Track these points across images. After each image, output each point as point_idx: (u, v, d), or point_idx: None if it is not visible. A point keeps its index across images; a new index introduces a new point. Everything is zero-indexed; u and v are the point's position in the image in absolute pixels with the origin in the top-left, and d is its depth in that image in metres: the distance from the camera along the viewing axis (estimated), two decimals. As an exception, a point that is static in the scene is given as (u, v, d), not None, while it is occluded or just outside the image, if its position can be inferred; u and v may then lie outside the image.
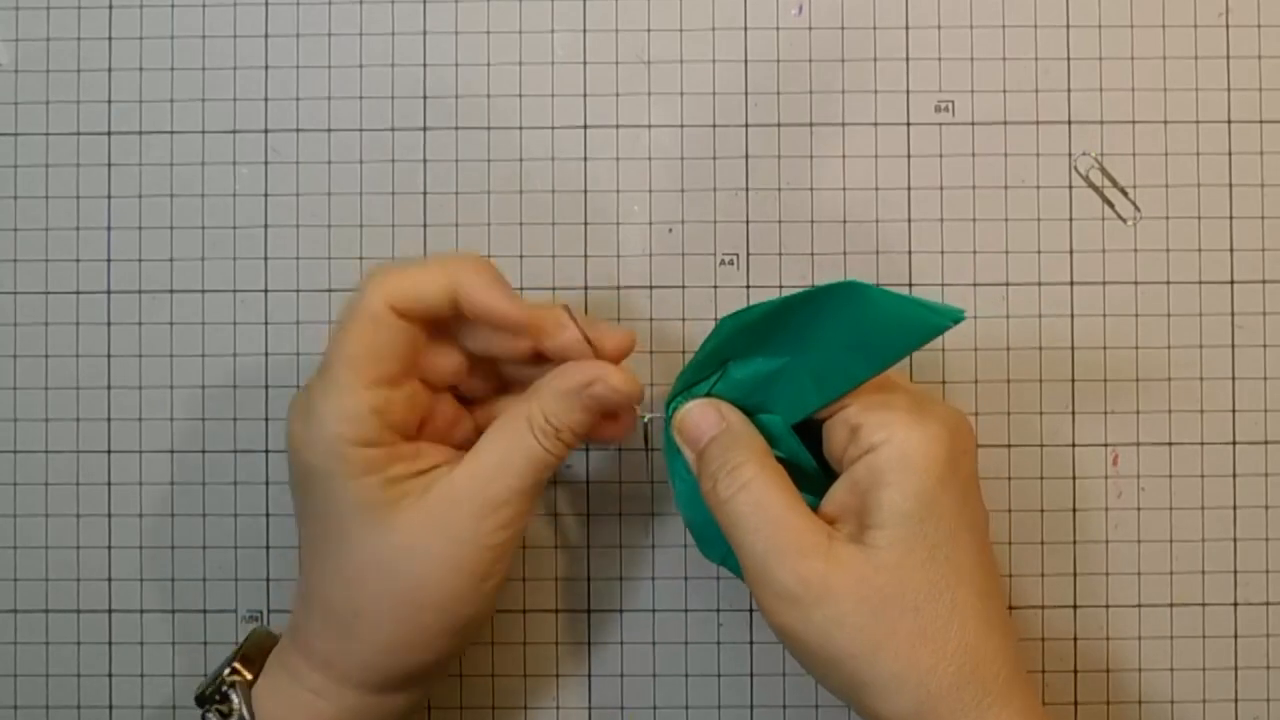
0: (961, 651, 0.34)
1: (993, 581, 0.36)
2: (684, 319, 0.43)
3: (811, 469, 0.38)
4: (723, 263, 0.43)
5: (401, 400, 0.37)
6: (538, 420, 0.37)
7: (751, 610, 0.44)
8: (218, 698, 0.37)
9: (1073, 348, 0.43)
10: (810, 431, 0.38)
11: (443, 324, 0.38)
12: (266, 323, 0.44)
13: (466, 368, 0.39)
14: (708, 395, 0.38)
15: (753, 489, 0.35)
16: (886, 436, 0.34)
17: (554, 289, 0.43)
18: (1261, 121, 0.43)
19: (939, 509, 0.34)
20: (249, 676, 0.38)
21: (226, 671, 0.38)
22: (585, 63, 0.44)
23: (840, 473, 0.36)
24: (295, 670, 0.37)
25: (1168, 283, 0.43)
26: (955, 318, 0.34)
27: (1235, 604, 0.43)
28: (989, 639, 0.34)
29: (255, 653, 0.39)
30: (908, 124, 0.43)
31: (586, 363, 0.37)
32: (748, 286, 0.43)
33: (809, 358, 0.37)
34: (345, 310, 0.36)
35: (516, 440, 0.37)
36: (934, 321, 0.34)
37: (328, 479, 0.36)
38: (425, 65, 0.44)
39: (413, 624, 0.36)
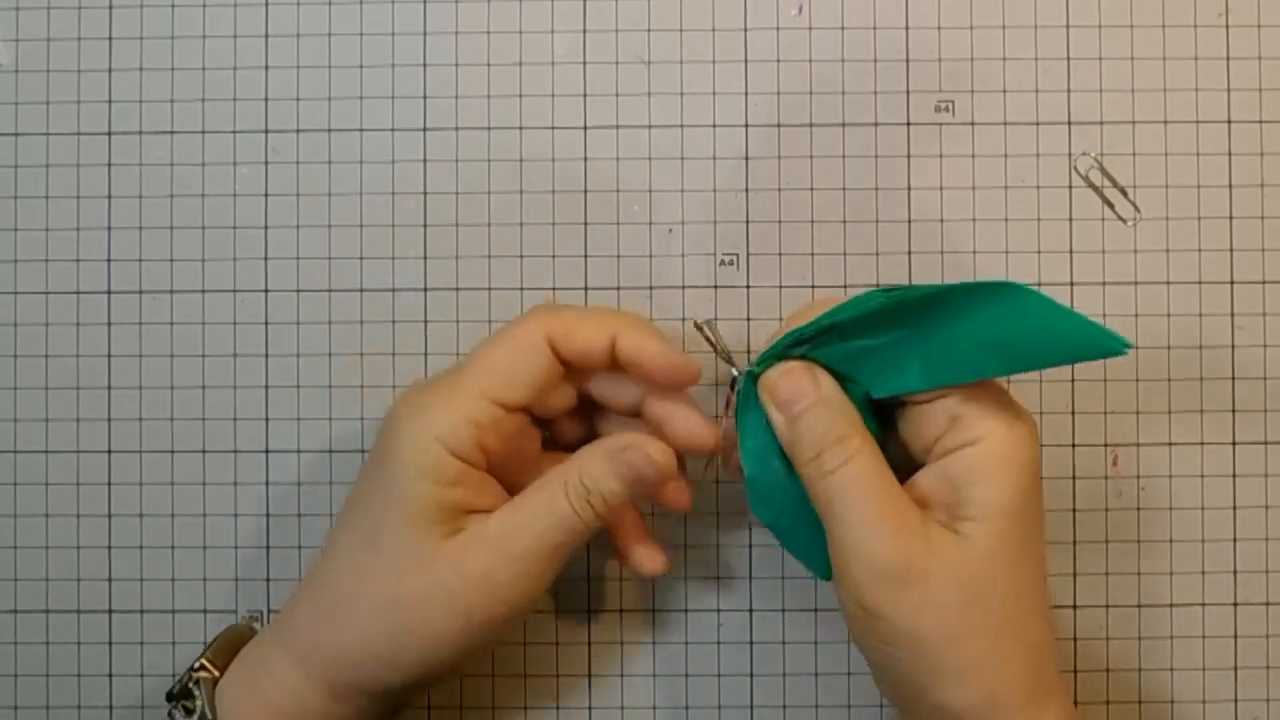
0: (1032, 647, 0.35)
1: (1045, 573, 0.37)
2: (684, 319, 0.43)
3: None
4: (723, 263, 0.43)
5: (505, 424, 0.37)
6: (573, 481, 0.37)
7: (751, 610, 0.44)
8: (183, 694, 0.38)
9: (1073, 348, 0.43)
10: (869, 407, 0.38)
11: (580, 368, 0.38)
12: (266, 323, 0.44)
13: (571, 411, 0.40)
14: (802, 359, 0.37)
15: (859, 462, 0.35)
16: (989, 431, 0.35)
17: (554, 289, 0.43)
18: (1261, 121, 0.43)
19: (1030, 508, 0.35)
20: (215, 673, 0.38)
21: (194, 667, 0.38)
22: (585, 63, 0.44)
23: (921, 458, 0.36)
24: (268, 660, 0.37)
25: (1168, 283, 0.43)
26: (1124, 345, 0.34)
27: (1235, 604, 0.43)
28: (1050, 637, 0.36)
29: (227, 648, 0.39)
30: (908, 124, 0.43)
31: (632, 434, 0.37)
32: (748, 286, 0.43)
33: (925, 341, 0.36)
34: (501, 332, 0.38)
35: (550, 499, 0.37)
36: (1104, 342, 0.34)
37: (400, 467, 0.36)
38: (425, 65, 0.44)
39: (394, 641, 0.36)
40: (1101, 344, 0.34)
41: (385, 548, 0.36)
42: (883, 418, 0.38)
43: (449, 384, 0.37)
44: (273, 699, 0.37)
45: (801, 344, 0.37)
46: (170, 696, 0.38)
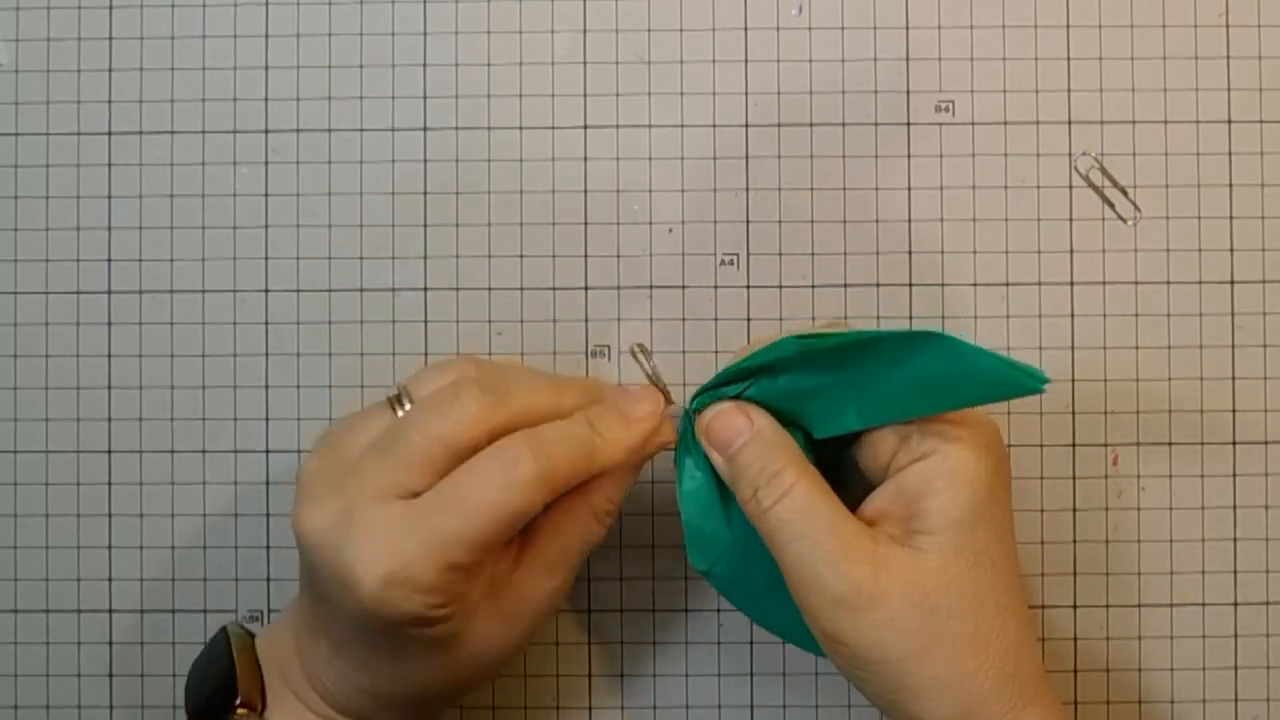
0: (1003, 653, 0.34)
1: (1021, 579, 0.36)
2: (684, 319, 0.43)
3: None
4: (723, 263, 0.43)
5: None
6: (602, 507, 0.37)
7: (751, 610, 0.44)
8: None
9: (1073, 348, 0.43)
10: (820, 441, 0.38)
11: None
12: (267, 323, 0.44)
13: None
14: (736, 399, 0.37)
15: (796, 495, 0.35)
16: (938, 445, 0.35)
17: (554, 289, 0.43)
18: (1261, 121, 0.43)
19: (987, 516, 0.35)
20: (258, 707, 0.36)
21: (235, 703, 0.36)
22: (585, 63, 0.44)
23: (877, 479, 0.36)
24: (316, 709, 0.37)
25: (1168, 283, 0.43)
26: (1040, 383, 0.34)
27: (1235, 604, 0.43)
28: (1025, 639, 0.35)
29: (248, 672, 0.37)
30: (908, 124, 0.43)
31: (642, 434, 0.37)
32: (748, 286, 0.43)
33: (858, 385, 0.36)
34: (485, 463, 0.34)
35: (583, 533, 0.37)
36: (1022, 382, 0.34)
37: (401, 628, 0.34)
38: (425, 65, 0.44)
39: (458, 695, 0.38)
40: (1020, 384, 0.34)
41: (423, 667, 0.36)
42: (837, 444, 0.37)
43: (424, 540, 0.33)
44: None
45: (734, 382, 0.38)
46: None
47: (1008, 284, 0.43)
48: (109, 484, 0.44)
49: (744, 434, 0.36)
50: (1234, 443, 0.43)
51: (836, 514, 0.35)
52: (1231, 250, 0.43)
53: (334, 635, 0.36)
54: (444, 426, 0.34)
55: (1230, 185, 0.43)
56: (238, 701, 0.36)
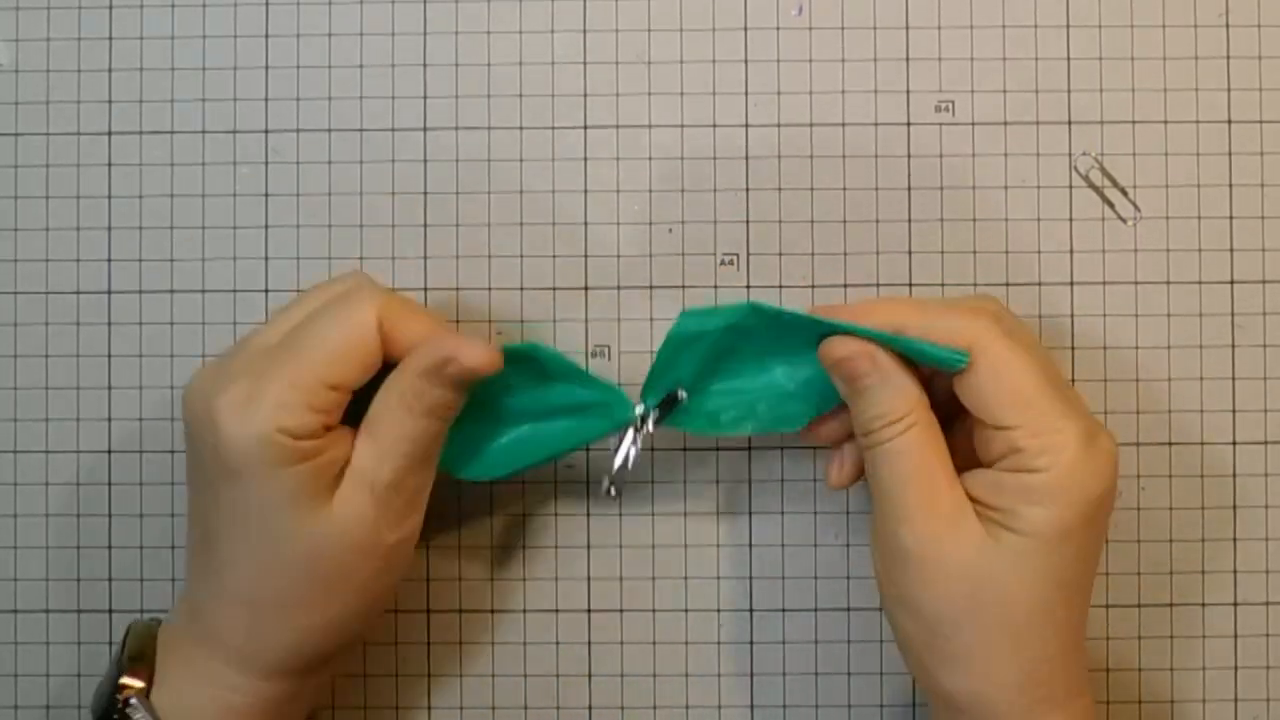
0: (1036, 661, 0.35)
1: (1087, 598, 0.37)
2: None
3: None
4: (723, 263, 0.43)
5: (338, 404, 0.37)
6: (407, 398, 0.37)
7: (752, 610, 0.44)
8: (116, 716, 0.36)
9: (1073, 348, 0.43)
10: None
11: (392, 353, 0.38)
12: (266, 322, 0.43)
13: None
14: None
15: (910, 437, 0.36)
16: (1051, 463, 0.35)
17: (554, 289, 0.43)
18: (1261, 121, 0.43)
19: (1072, 540, 0.35)
20: (141, 685, 0.36)
21: (119, 684, 0.36)
22: (585, 63, 0.44)
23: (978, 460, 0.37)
24: (201, 667, 0.37)
25: (1168, 283, 0.43)
26: (962, 360, 0.35)
27: (1235, 604, 0.43)
28: (1067, 653, 0.36)
29: (141, 654, 0.37)
30: (908, 124, 0.43)
31: (439, 341, 0.37)
32: (748, 286, 0.43)
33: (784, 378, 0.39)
34: (331, 310, 0.37)
35: (399, 417, 0.37)
36: (945, 358, 0.36)
37: (260, 467, 0.35)
38: (425, 65, 0.44)
39: (338, 608, 0.37)
40: (943, 359, 0.36)
41: (294, 545, 0.36)
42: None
43: (276, 367, 0.36)
44: (217, 697, 0.37)
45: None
46: (102, 716, 0.36)
47: (1008, 284, 0.43)
48: (109, 483, 0.44)
49: (871, 375, 0.36)
50: (1234, 443, 0.43)
51: (939, 469, 0.36)
52: (1231, 250, 0.43)
53: (209, 540, 0.37)
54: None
55: (1230, 185, 0.43)
56: (120, 681, 0.37)
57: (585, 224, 0.43)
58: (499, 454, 0.40)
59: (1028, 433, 0.35)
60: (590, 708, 0.44)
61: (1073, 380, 0.43)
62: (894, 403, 0.36)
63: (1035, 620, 0.35)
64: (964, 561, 0.35)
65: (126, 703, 0.36)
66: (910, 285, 0.43)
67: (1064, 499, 0.35)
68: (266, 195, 0.44)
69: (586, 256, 0.43)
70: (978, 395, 0.36)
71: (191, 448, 0.37)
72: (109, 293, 0.44)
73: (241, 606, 0.36)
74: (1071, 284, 0.43)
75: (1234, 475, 0.43)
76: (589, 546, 0.44)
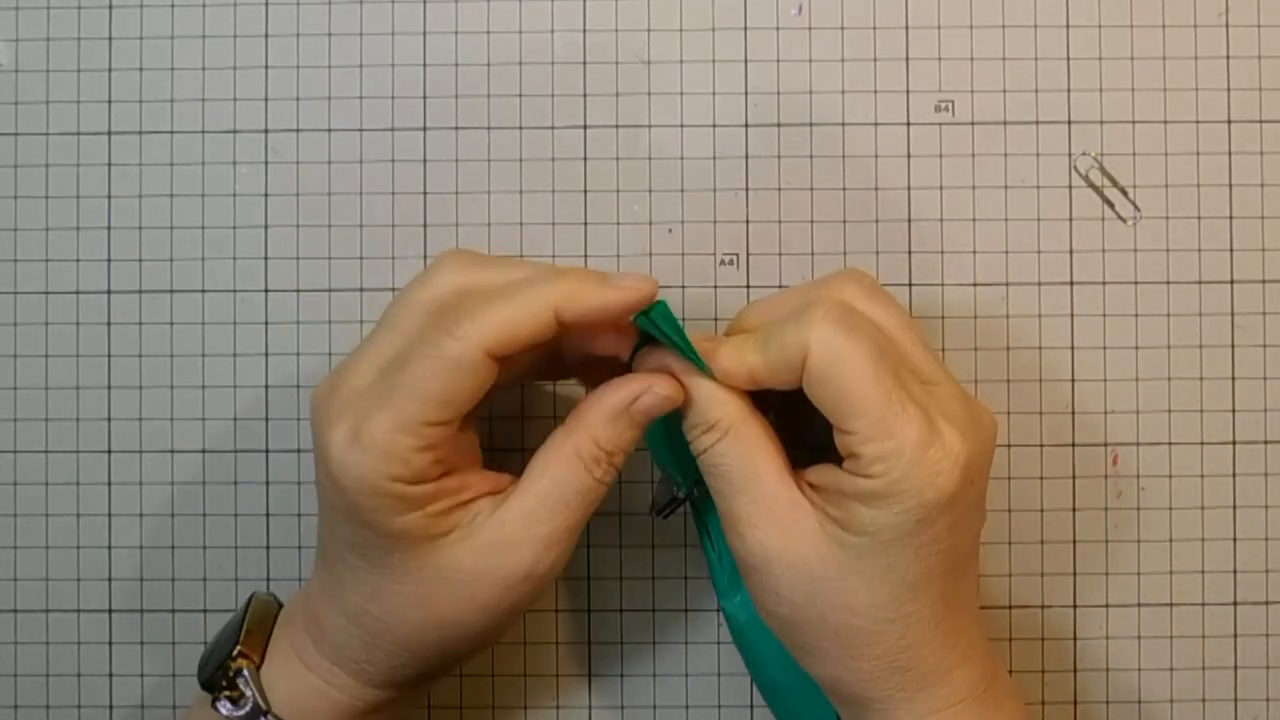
0: (890, 651, 0.35)
1: (955, 585, 0.35)
2: (684, 319, 0.43)
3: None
4: (723, 263, 0.43)
5: (458, 434, 0.35)
6: (588, 449, 0.35)
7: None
8: (225, 683, 0.36)
9: (1073, 348, 0.43)
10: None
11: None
12: (266, 323, 0.44)
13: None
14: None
15: (730, 444, 0.35)
16: (884, 470, 0.33)
17: (554, 289, 0.43)
18: (1261, 121, 0.43)
19: (909, 542, 0.34)
20: (256, 660, 0.37)
21: (232, 655, 0.37)
22: (585, 63, 0.44)
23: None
24: (309, 660, 0.37)
25: (1168, 283, 0.43)
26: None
27: (1235, 604, 0.43)
28: (929, 641, 0.35)
29: (258, 629, 0.38)
30: (908, 124, 0.43)
31: (629, 378, 0.36)
32: (748, 286, 0.43)
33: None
34: (428, 345, 0.34)
35: (568, 475, 0.35)
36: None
37: (371, 514, 0.34)
38: (425, 65, 0.44)
39: (448, 649, 0.36)
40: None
41: (408, 585, 0.35)
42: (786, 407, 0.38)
43: (383, 410, 0.33)
44: (321, 690, 0.37)
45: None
46: (209, 685, 0.37)
47: (1008, 284, 0.43)
48: (109, 484, 0.44)
49: (677, 392, 0.36)
50: (1234, 443, 0.43)
51: (767, 473, 0.35)
52: (1231, 250, 0.43)
53: (328, 555, 0.36)
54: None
55: (1230, 185, 0.43)
56: (235, 651, 0.37)
57: (585, 224, 0.43)
58: None
59: (861, 439, 0.34)
60: (590, 708, 0.44)
61: (1073, 380, 0.43)
62: (704, 413, 0.35)
63: (883, 616, 0.34)
64: (799, 565, 0.34)
65: (238, 673, 0.36)
66: (910, 285, 0.43)
67: (896, 505, 0.33)
68: (266, 195, 0.44)
69: (586, 256, 0.43)
70: (815, 400, 0.34)
71: (315, 458, 0.36)
72: (109, 293, 0.44)
73: (357, 627, 0.36)
74: (1071, 284, 0.43)
75: (1234, 475, 0.43)
76: (589, 546, 0.44)
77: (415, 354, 0.34)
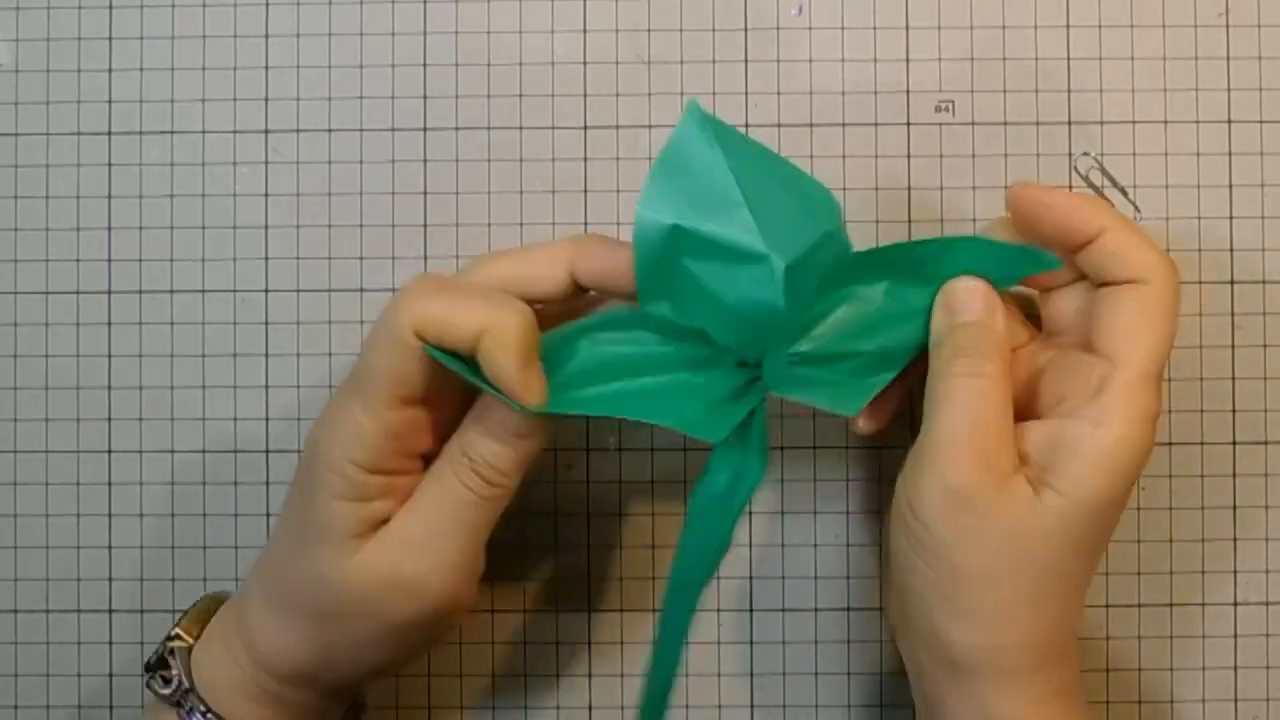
0: (1047, 622, 0.35)
1: (1098, 558, 0.36)
2: (684, 319, 0.43)
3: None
4: (723, 263, 0.43)
5: (420, 410, 0.35)
6: (455, 457, 0.35)
7: (752, 610, 0.44)
8: (160, 664, 0.37)
9: (1073, 348, 0.43)
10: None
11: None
12: (266, 323, 0.44)
13: None
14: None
15: (985, 382, 0.35)
16: (1104, 416, 0.34)
17: (554, 289, 0.43)
18: (1261, 121, 0.43)
19: (1110, 501, 0.35)
20: (190, 641, 0.38)
21: (170, 636, 0.38)
22: (585, 63, 0.44)
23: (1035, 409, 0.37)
24: (231, 635, 0.37)
25: (1168, 283, 0.43)
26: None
27: (1235, 604, 0.43)
28: (1070, 619, 0.36)
29: (202, 616, 0.38)
30: (908, 124, 0.43)
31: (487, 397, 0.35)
32: (748, 286, 0.43)
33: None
34: (381, 327, 0.35)
35: (440, 483, 0.36)
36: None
37: (320, 489, 0.35)
38: (425, 65, 0.44)
39: (323, 650, 0.36)
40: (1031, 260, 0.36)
41: (307, 564, 0.35)
42: None
43: (352, 396, 0.35)
44: (244, 671, 0.37)
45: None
46: (149, 667, 0.38)
47: (1008, 284, 0.43)
48: (109, 484, 0.44)
49: (976, 312, 0.36)
50: (1234, 443, 0.43)
51: (1005, 424, 0.35)
52: (1231, 250, 0.43)
53: (275, 530, 0.37)
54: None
55: (1230, 185, 0.43)
56: (173, 631, 0.38)
57: (585, 224, 0.43)
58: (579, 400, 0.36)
59: (1119, 381, 0.35)
60: (590, 708, 0.44)
61: (1073, 380, 0.43)
62: (984, 345, 0.36)
63: (1063, 583, 0.35)
64: (1013, 518, 0.34)
65: (171, 652, 0.37)
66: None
67: (1108, 460, 0.34)
68: (266, 195, 0.44)
69: (586, 256, 0.43)
70: (1113, 310, 0.35)
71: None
72: (109, 293, 0.44)
73: (271, 606, 0.36)
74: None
75: (1234, 475, 0.43)
76: (589, 547, 0.44)
77: (372, 339, 0.35)
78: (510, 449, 0.35)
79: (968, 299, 0.37)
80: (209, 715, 0.36)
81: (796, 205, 0.36)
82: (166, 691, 0.37)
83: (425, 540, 0.35)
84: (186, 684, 0.37)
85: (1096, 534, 0.35)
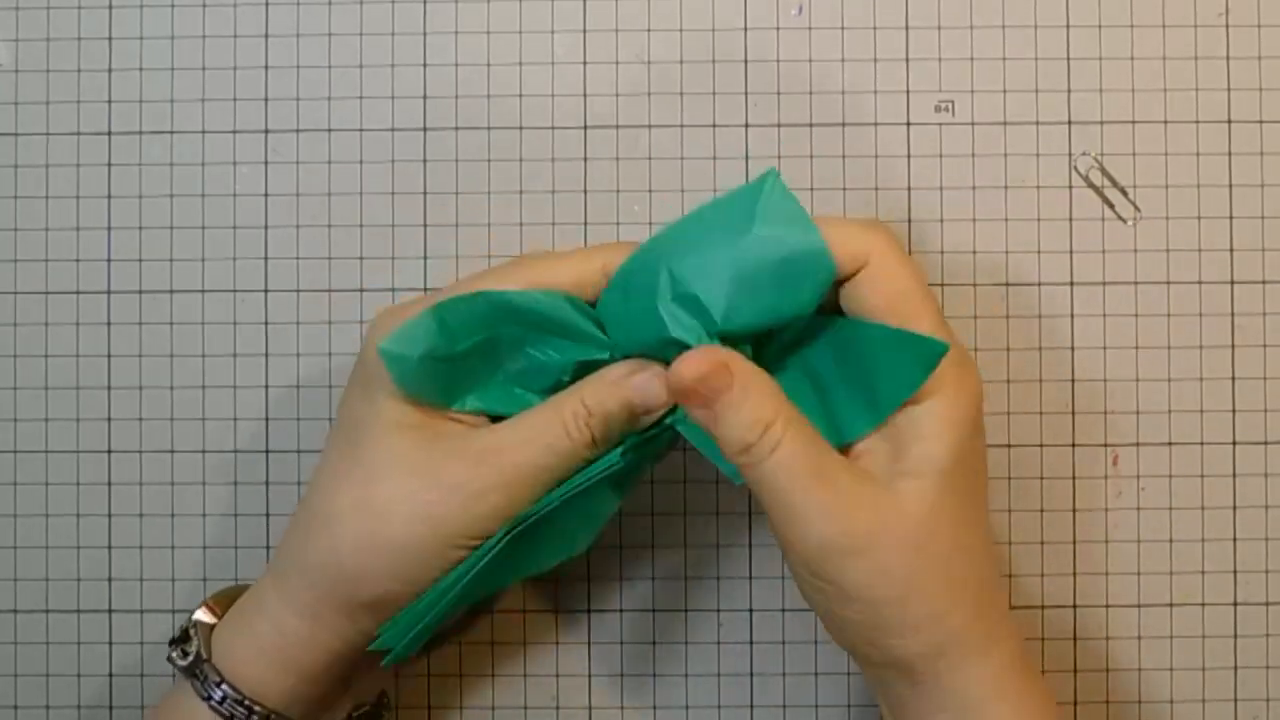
0: (974, 594, 0.35)
1: (988, 519, 0.37)
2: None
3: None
4: (723, 263, 0.43)
5: None
6: (573, 404, 0.36)
7: (751, 610, 0.44)
8: (181, 638, 0.38)
9: (1073, 348, 0.43)
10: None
11: None
12: (266, 323, 0.44)
13: None
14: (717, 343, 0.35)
15: (786, 448, 0.34)
16: (929, 391, 0.35)
17: (554, 289, 0.43)
18: (1261, 121, 0.43)
19: (969, 461, 0.35)
20: (211, 620, 0.38)
21: (193, 613, 0.38)
22: (585, 63, 0.44)
23: None
24: (257, 593, 0.37)
25: (1168, 283, 0.43)
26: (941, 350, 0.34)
27: (1235, 604, 0.43)
28: (992, 580, 0.36)
29: (228, 597, 0.39)
30: (908, 124, 0.43)
31: (635, 361, 0.37)
32: (748, 286, 0.43)
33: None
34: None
35: (546, 420, 0.36)
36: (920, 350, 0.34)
37: (380, 375, 0.36)
38: (425, 65, 0.44)
39: (364, 551, 0.36)
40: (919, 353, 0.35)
41: (363, 455, 0.36)
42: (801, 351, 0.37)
43: (431, 296, 0.37)
44: (260, 634, 0.37)
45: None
46: (172, 641, 0.38)
47: (1007, 284, 0.43)
48: (109, 484, 0.44)
49: (726, 388, 0.34)
50: (1234, 443, 0.43)
51: (827, 461, 0.34)
52: (1231, 250, 0.43)
53: (319, 468, 0.38)
54: None
55: (1230, 185, 0.43)
56: (200, 605, 0.39)
57: (585, 224, 0.43)
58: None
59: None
60: (590, 708, 0.44)
61: (1072, 380, 0.43)
62: (763, 408, 0.34)
63: (962, 556, 0.35)
64: (891, 533, 0.34)
65: (192, 626, 0.38)
66: (910, 285, 0.43)
67: (952, 426, 0.34)
68: (266, 195, 0.44)
69: (586, 256, 0.43)
70: (866, 297, 0.35)
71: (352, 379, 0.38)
72: (109, 293, 0.44)
73: (303, 516, 0.37)
74: (1071, 284, 0.43)
75: (1234, 475, 0.43)
76: (588, 546, 0.44)
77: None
78: (627, 416, 0.36)
79: (715, 380, 0.34)
80: (223, 685, 0.36)
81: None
82: (185, 663, 0.37)
83: (508, 469, 0.36)
84: (205, 655, 0.37)
85: (966, 493, 0.35)
